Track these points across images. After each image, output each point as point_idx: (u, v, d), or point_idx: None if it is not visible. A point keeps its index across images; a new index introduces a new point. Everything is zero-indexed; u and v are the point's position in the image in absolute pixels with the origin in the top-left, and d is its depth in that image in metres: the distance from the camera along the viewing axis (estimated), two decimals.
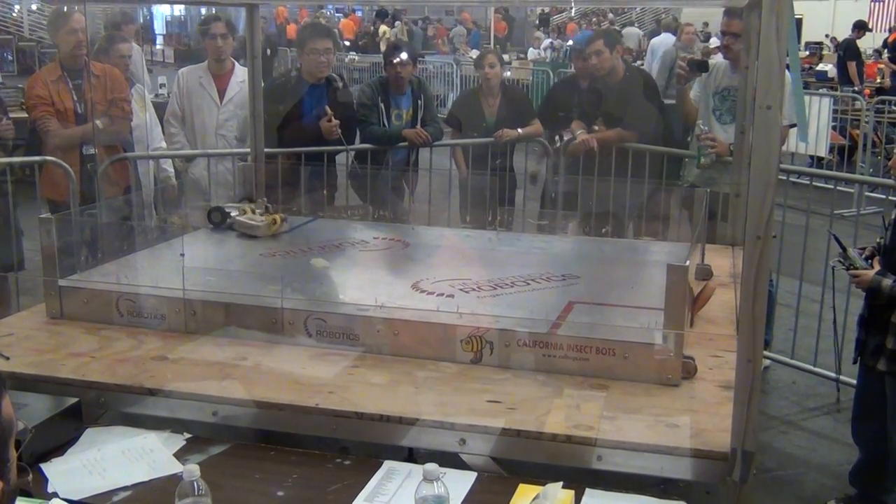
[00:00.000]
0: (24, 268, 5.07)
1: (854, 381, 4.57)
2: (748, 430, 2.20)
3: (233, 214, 4.17)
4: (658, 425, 2.44)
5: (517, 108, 6.20)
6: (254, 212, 4.12)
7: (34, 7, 20.97)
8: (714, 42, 15.49)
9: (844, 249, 3.57)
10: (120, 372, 2.79)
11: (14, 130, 5.00)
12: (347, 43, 21.64)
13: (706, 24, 22.40)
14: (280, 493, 2.23)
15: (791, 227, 5.39)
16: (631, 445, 2.35)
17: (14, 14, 23.07)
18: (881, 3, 25.03)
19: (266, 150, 4.75)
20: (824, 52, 18.27)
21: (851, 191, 8.66)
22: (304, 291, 3.29)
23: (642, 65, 14.17)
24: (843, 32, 16.90)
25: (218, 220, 4.17)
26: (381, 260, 3.92)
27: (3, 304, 4.68)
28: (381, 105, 5.73)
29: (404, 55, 5.84)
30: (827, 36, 21.47)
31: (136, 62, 5.86)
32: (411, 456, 2.80)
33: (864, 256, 3.54)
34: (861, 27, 15.54)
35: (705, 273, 3.69)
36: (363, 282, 3.57)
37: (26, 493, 1.99)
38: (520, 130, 6.08)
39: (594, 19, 23.51)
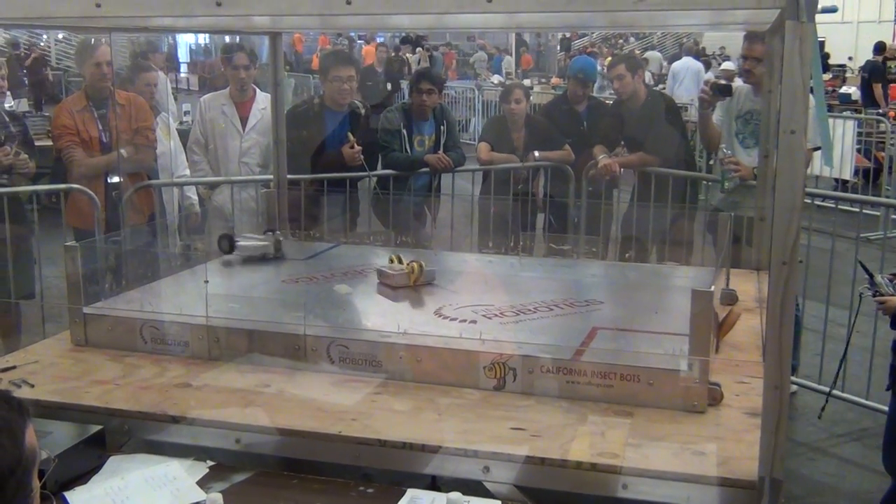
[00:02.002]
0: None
1: (882, 407, 4.52)
2: (776, 458, 2.16)
3: (239, 243, 4.15)
4: (684, 453, 2.41)
5: (542, 137, 6.20)
6: (400, 261, 3.81)
7: (61, 36, 21.27)
8: (729, 65, 15.50)
9: (871, 276, 3.53)
10: (143, 399, 2.79)
11: (31, 165, 5.02)
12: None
13: (723, 49, 22.47)
14: None
15: (817, 251, 5.34)
16: (657, 473, 2.32)
17: (42, 43, 23.40)
18: None
19: (289, 176, 4.77)
20: (847, 74, 18.19)
21: (877, 214, 8.58)
22: (326, 318, 3.28)
23: (664, 88, 14.19)
24: (866, 54, 16.83)
25: (226, 249, 4.13)
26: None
27: (16, 331, 4.72)
28: (404, 131, 5.76)
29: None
30: (850, 59, 21.38)
31: (162, 90, 5.93)
32: (434, 484, 2.78)
33: (893, 283, 3.50)
34: (882, 49, 15.47)
35: (730, 298, 3.66)
36: (386, 308, 3.56)
37: None
38: (536, 153, 6.09)
39: (616, 41, 23.62)
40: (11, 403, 1.65)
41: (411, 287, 3.67)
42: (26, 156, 4.99)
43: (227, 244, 4.13)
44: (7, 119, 5.23)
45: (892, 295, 3.44)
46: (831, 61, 20.59)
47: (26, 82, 18.81)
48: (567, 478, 2.37)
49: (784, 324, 2.10)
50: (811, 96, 2.25)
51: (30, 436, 1.63)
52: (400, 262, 3.79)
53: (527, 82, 15.66)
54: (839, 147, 9.40)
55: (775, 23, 3.15)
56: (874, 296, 3.51)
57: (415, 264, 3.69)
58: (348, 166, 5.45)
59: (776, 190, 2.10)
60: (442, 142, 5.86)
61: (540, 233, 6.12)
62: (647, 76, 15.15)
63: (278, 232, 4.33)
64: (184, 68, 23.39)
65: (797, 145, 2.05)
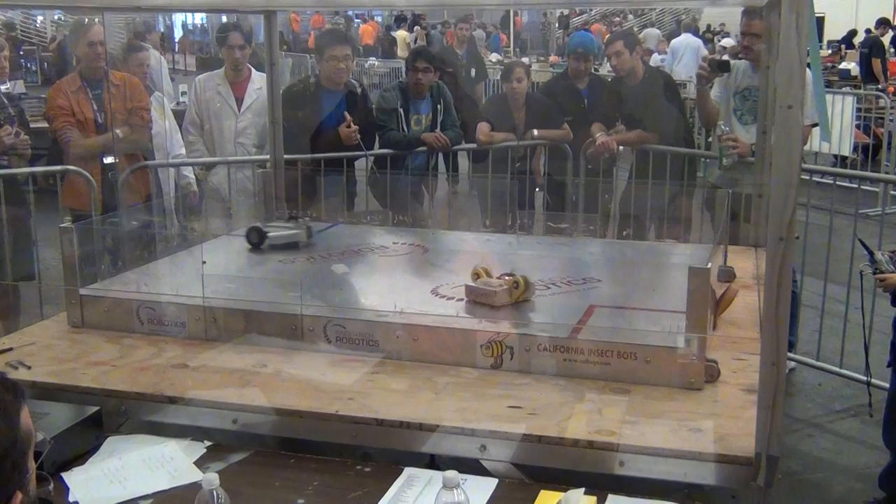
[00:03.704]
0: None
1: (880, 383, 4.52)
2: (773, 434, 2.17)
3: (270, 234, 3.99)
4: (681, 430, 2.42)
5: (543, 116, 6.16)
6: (488, 274, 3.24)
7: (56, 17, 21.17)
8: (729, 41, 15.44)
9: (871, 253, 3.52)
10: (140, 380, 2.79)
11: (30, 144, 5.00)
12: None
13: (724, 25, 22.39)
14: (300, 501, 2.22)
15: (815, 227, 5.33)
16: (653, 451, 2.33)
17: (38, 25, 23.31)
18: None
19: (285, 156, 4.76)
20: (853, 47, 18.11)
21: (876, 190, 8.57)
22: (323, 298, 3.28)
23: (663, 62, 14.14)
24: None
25: (256, 241, 3.99)
26: (400, 265, 3.91)
27: (14, 313, 4.71)
28: (401, 110, 5.73)
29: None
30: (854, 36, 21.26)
31: (157, 70, 5.89)
32: (433, 462, 2.78)
33: (894, 260, 3.49)
34: (884, 24, 15.41)
35: (728, 275, 3.66)
36: (383, 287, 3.56)
37: (47, 503, 2.00)
38: (535, 132, 6.08)
39: (615, 20, 23.55)
40: (6, 385, 1.64)
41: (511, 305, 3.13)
42: (26, 136, 4.97)
43: (257, 236, 3.97)
44: (6, 101, 5.21)
45: (893, 272, 3.43)
46: (830, 37, 20.49)
47: (23, 63, 18.76)
48: (564, 455, 2.38)
49: (780, 300, 2.10)
50: (809, 72, 2.24)
51: (25, 418, 1.62)
52: (488, 275, 3.25)
53: (525, 60, 15.59)
54: (838, 123, 9.37)
55: None
56: (874, 273, 3.50)
57: (520, 279, 3.14)
58: (345, 146, 5.43)
59: (773, 165, 2.09)
60: (439, 121, 5.84)
61: (539, 211, 6.10)
62: (655, 56, 15.14)
63: (306, 217, 4.23)
64: (179, 48, 23.32)
65: (794, 120, 2.04)
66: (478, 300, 3.16)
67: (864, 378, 4.75)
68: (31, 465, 1.64)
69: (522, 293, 3.13)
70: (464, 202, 6.02)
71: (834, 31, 21.53)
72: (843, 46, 18.46)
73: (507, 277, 3.19)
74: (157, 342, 3.10)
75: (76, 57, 5.36)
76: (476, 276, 3.26)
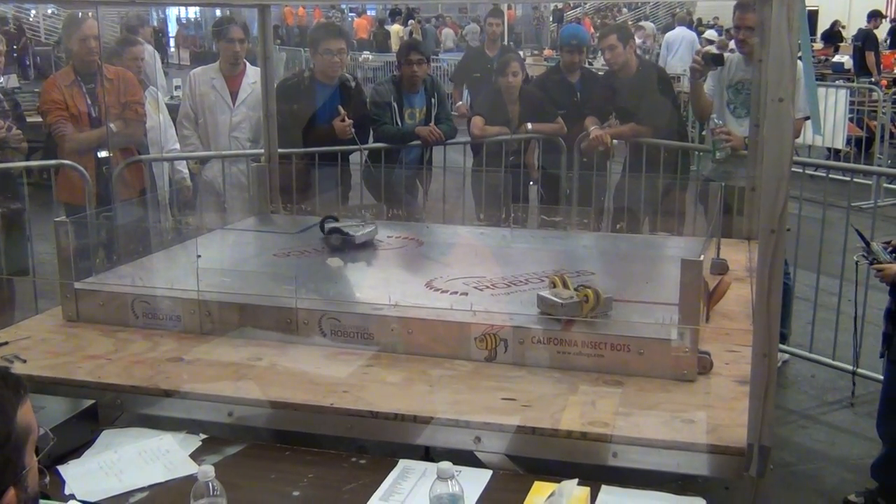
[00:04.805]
0: None
1: (873, 375, 4.55)
2: (764, 424, 2.18)
3: (345, 229, 3.86)
4: (674, 421, 2.43)
5: (536, 110, 6.16)
6: (564, 284, 2.98)
7: (50, 11, 21.11)
8: (713, 33, 15.46)
9: (868, 244, 3.52)
10: (136, 373, 2.80)
11: (24, 140, 4.99)
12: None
13: (716, 19, 22.43)
14: (295, 493, 2.24)
15: (808, 220, 5.34)
16: (647, 442, 2.34)
17: (31, 18, 23.22)
18: None
19: (279, 150, 4.76)
20: (840, 42, 18.12)
21: (869, 182, 8.57)
22: (318, 291, 3.29)
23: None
24: (859, 23, 16.75)
25: (338, 244, 3.86)
26: (395, 259, 3.91)
27: (9, 307, 4.71)
28: (395, 104, 5.73)
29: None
30: (843, 27, 21.26)
31: (150, 64, 5.88)
32: (428, 454, 2.79)
33: (889, 250, 3.50)
34: (876, 16, 15.41)
35: (721, 267, 3.67)
36: (377, 281, 3.57)
37: (43, 496, 2.00)
38: (529, 125, 6.08)
39: (608, 14, 23.56)
40: (7, 381, 1.62)
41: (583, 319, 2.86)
42: (19, 131, 4.96)
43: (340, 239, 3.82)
44: (0, 95, 5.20)
45: (891, 263, 3.43)
46: (824, 30, 20.49)
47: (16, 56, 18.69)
48: (558, 447, 2.39)
49: (772, 292, 2.11)
50: (800, 64, 2.25)
51: (25, 413, 1.61)
52: (565, 285, 2.98)
53: (519, 53, 15.56)
54: (832, 116, 9.38)
55: None
56: (871, 264, 3.50)
57: (589, 291, 2.87)
58: (339, 140, 5.43)
59: (764, 158, 2.10)
60: (433, 114, 5.84)
61: (533, 204, 6.10)
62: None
63: (364, 213, 4.16)
64: (173, 42, 23.28)
65: (785, 113, 2.05)
66: (546, 312, 2.91)
67: (857, 369, 4.80)
68: (30, 461, 1.62)
69: (593, 308, 2.86)
70: (456, 195, 6.02)
71: (827, 24, 21.54)
72: (823, 41, 18.40)
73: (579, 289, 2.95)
74: (152, 336, 3.10)
75: (70, 51, 5.35)
76: (552, 284, 3.00)
